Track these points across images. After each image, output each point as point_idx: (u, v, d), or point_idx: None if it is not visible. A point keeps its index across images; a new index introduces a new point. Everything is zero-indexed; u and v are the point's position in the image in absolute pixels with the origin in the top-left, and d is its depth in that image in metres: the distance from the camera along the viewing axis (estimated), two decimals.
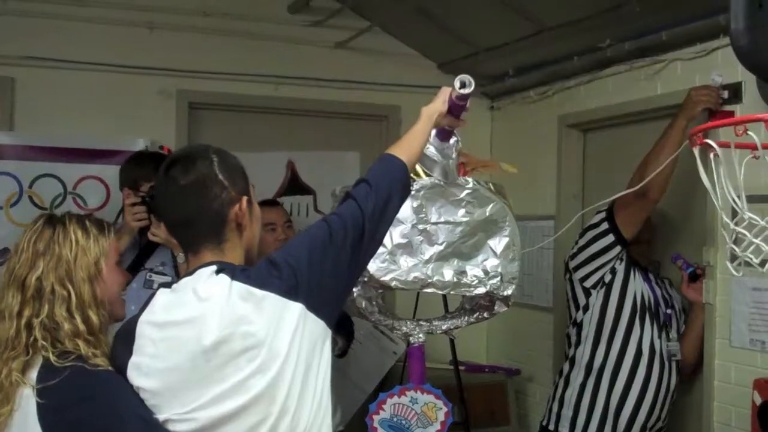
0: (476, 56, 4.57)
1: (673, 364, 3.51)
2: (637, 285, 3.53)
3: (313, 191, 4.82)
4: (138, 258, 3.14)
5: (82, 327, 1.94)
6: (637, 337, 3.48)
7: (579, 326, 3.59)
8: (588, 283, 3.56)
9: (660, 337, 3.50)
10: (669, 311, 3.57)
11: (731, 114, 3.25)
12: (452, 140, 2.71)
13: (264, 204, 3.63)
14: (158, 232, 2.93)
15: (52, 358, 1.89)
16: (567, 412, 3.56)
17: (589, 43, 3.98)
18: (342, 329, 3.53)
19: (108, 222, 2.14)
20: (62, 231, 2.01)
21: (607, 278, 3.53)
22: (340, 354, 3.57)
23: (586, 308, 3.57)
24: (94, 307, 1.98)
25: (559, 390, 3.64)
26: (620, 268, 3.53)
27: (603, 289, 3.53)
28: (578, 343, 3.59)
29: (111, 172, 4.03)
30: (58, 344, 1.93)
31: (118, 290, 2.11)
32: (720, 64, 3.38)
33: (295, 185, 4.81)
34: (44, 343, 1.92)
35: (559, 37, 4.04)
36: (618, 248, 3.47)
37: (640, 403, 3.46)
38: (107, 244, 2.06)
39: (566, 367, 3.65)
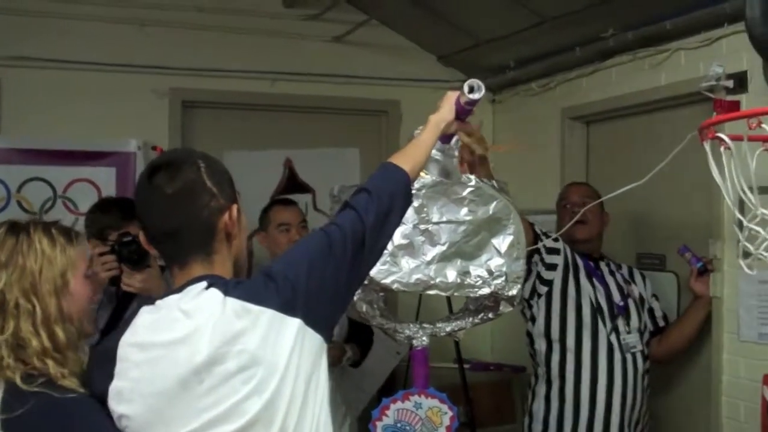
0: (476, 48, 4.52)
1: (638, 354, 3.43)
2: (583, 287, 3.45)
3: (312, 189, 4.73)
4: (116, 311, 2.93)
5: (47, 344, 1.81)
6: (590, 340, 3.40)
7: (531, 338, 3.54)
8: (525, 294, 3.47)
9: (616, 331, 3.42)
10: (622, 302, 3.48)
11: (737, 104, 3.19)
12: (453, 140, 2.65)
13: (278, 203, 3.60)
14: (131, 282, 2.74)
15: (18, 381, 1.77)
16: (537, 426, 3.49)
17: (591, 33, 3.92)
18: (357, 338, 3.45)
19: (76, 230, 2.00)
20: (26, 240, 1.88)
21: (542, 289, 3.47)
22: (353, 364, 3.48)
23: (533, 319, 3.51)
24: (60, 322, 1.85)
25: (528, 402, 3.59)
26: (555, 275, 3.45)
27: (542, 300, 3.47)
28: (533, 354, 3.55)
29: (102, 174, 4.00)
30: (24, 365, 1.80)
31: (87, 304, 1.98)
32: (725, 53, 3.32)
33: (293, 184, 4.72)
34: (10, 361, 1.79)
35: (561, 28, 3.98)
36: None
37: (610, 401, 3.37)
38: (75, 254, 1.93)
39: (532, 379, 3.61)
